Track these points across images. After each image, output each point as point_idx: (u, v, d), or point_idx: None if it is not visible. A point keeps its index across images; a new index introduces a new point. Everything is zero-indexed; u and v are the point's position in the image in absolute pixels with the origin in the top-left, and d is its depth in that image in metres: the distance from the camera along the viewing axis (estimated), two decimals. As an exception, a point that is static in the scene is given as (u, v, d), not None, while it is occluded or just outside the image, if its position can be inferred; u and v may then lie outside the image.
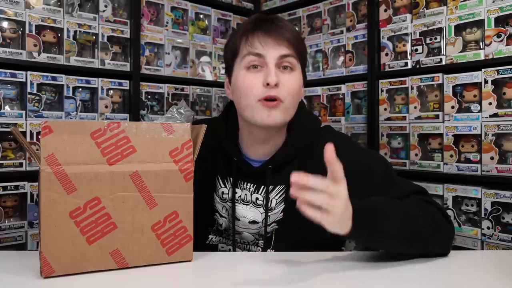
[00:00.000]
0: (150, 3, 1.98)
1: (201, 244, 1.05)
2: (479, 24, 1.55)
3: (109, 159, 0.79)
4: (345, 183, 0.74)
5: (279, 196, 1.02)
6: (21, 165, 1.60)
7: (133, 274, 0.79)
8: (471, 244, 1.53)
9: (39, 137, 0.98)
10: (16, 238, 1.58)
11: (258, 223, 1.03)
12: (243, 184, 1.05)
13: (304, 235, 0.98)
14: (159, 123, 0.86)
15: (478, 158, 1.53)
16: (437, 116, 1.64)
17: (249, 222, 1.03)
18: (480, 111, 1.53)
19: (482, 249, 1.50)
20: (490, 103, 1.50)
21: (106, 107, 1.83)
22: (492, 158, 1.49)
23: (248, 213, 1.04)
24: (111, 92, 1.86)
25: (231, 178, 1.06)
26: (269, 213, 1.02)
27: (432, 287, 0.75)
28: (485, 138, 1.50)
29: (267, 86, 0.95)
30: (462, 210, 1.59)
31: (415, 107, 1.71)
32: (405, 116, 1.74)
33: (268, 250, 1.03)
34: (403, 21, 1.75)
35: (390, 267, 0.86)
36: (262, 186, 1.03)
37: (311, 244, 0.97)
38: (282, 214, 1.02)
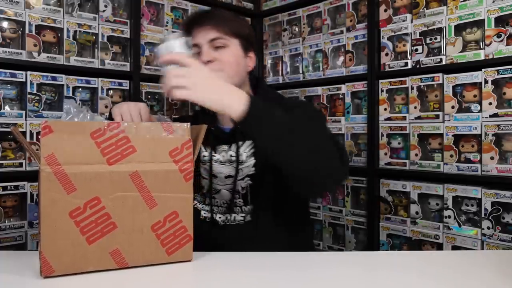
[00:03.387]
0: (150, 3, 1.98)
1: None
2: (479, 24, 1.55)
3: (109, 159, 0.79)
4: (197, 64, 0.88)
5: (249, 150, 1.18)
6: (21, 165, 1.60)
7: (133, 274, 0.79)
8: (471, 244, 1.53)
9: (39, 137, 0.98)
10: (16, 238, 1.58)
11: (232, 176, 1.19)
12: (220, 147, 1.22)
13: (276, 191, 1.15)
14: (159, 122, 0.86)
15: (478, 158, 1.53)
16: (437, 116, 1.64)
17: (225, 177, 1.20)
18: (480, 111, 1.53)
19: (482, 249, 1.50)
20: (490, 103, 1.50)
21: (106, 107, 1.83)
22: (492, 158, 1.49)
23: (224, 170, 1.20)
24: (111, 92, 1.86)
25: (209, 145, 1.24)
26: (241, 166, 1.18)
27: (431, 287, 0.75)
28: (485, 138, 1.50)
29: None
30: (462, 210, 1.59)
31: (415, 107, 1.71)
32: (405, 116, 1.74)
33: (247, 207, 1.18)
34: (403, 21, 1.75)
35: (389, 266, 0.86)
36: (234, 144, 1.20)
37: (284, 200, 1.15)
38: (253, 168, 1.17)
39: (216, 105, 0.86)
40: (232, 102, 0.86)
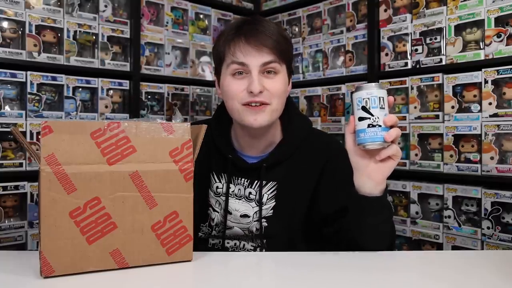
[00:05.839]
0: (150, 3, 1.98)
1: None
2: (479, 24, 1.55)
3: (109, 159, 0.79)
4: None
5: (271, 192, 1.08)
6: (21, 165, 1.60)
7: (133, 274, 0.79)
8: (471, 244, 1.53)
9: (39, 137, 0.98)
10: (16, 238, 1.58)
11: (249, 217, 1.08)
12: (237, 179, 1.10)
13: (291, 233, 1.06)
14: (159, 122, 0.86)
15: (478, 158, 1.53)
16: (437, 116, 1.64)
17: (241, 216, 1.09)
18: (480, 111, 1.53)
19: (482, 249, 1.50)
20: (490, 103, 1.50)
21: (106, 107, 1.83)
22: (492, 158, 1.49)
23: (241, 207, 1.09)
24: (111, 92, 1.86)
25: (225, 174, 1.11)
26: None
27: (431, 287, 0.75)
28: (485, 138, 1.50)
29: (250, 93, 0.99)
30: (462, 210, 1.59)
31: (415, 107, 1.71)
32: (405, 116, 1.74)
33: (259, 239, 1.08)
34: (403, 21, 1.75)
35: (389, 266, 0.86)
36: (256, 181, 1.08)
37: (297, 244, 1.06)
38: (272, 211, 1.07)
39: (382, 182, 0.92)
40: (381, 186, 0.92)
